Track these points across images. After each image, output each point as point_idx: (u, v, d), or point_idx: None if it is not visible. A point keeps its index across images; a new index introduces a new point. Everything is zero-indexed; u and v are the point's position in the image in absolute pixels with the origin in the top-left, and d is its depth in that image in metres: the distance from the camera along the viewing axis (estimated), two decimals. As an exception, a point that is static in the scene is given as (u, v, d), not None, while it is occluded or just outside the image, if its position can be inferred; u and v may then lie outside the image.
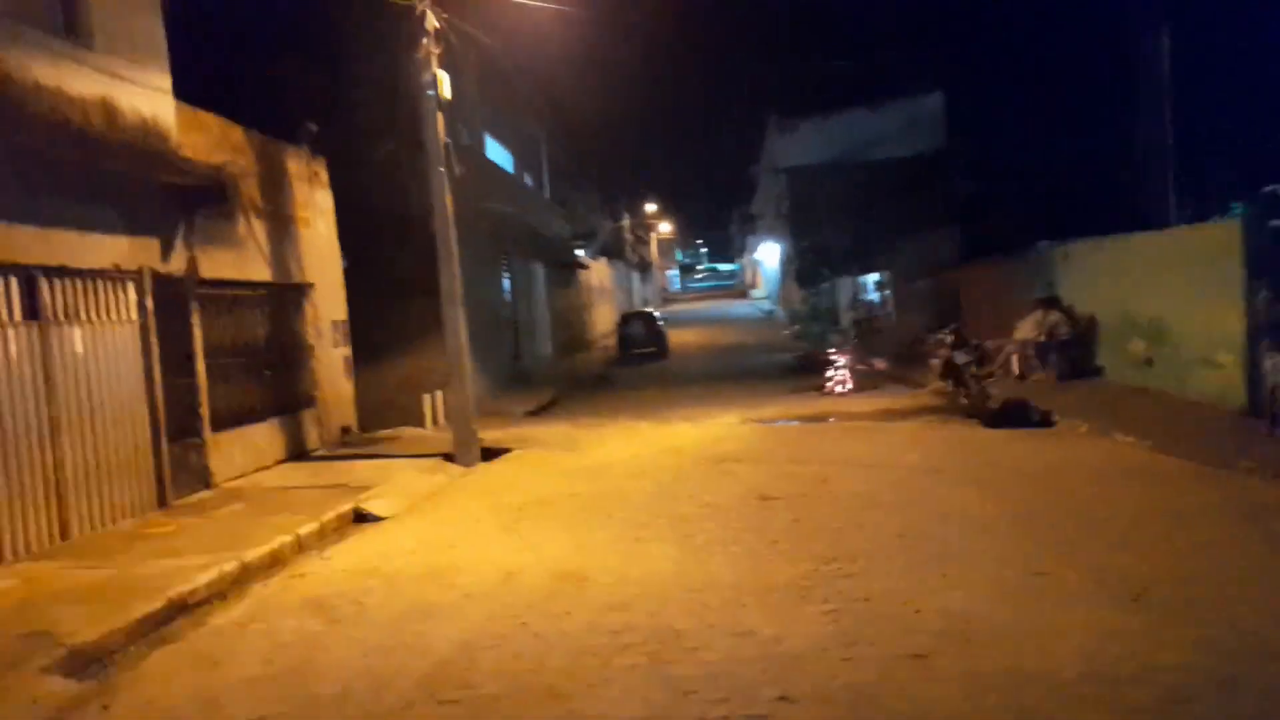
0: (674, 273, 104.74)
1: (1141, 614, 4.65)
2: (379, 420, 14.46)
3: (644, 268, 70.26)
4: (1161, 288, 11.69)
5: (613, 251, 48.77)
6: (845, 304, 27.51)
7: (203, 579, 6.03)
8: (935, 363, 12.40)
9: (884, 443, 10.44)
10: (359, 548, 7.18)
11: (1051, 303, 14.56)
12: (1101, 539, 6.02)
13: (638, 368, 26.81)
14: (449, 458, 11.19)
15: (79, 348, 7.55)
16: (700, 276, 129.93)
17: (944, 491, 7.60)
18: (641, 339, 30.20)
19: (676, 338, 36.68)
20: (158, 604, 5.59)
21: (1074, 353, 13.92)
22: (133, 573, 6.21)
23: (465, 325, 11.17)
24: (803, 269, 30.52)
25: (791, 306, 36.26)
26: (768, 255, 53.21)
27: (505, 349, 22.59)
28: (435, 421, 15.60)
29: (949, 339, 11.75)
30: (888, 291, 24.78)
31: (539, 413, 17.12)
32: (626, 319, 31.17)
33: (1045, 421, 10.79)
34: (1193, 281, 10.89)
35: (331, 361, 12.36)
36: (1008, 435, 10.37)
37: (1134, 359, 12.34)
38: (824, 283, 29.94)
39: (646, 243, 68.49)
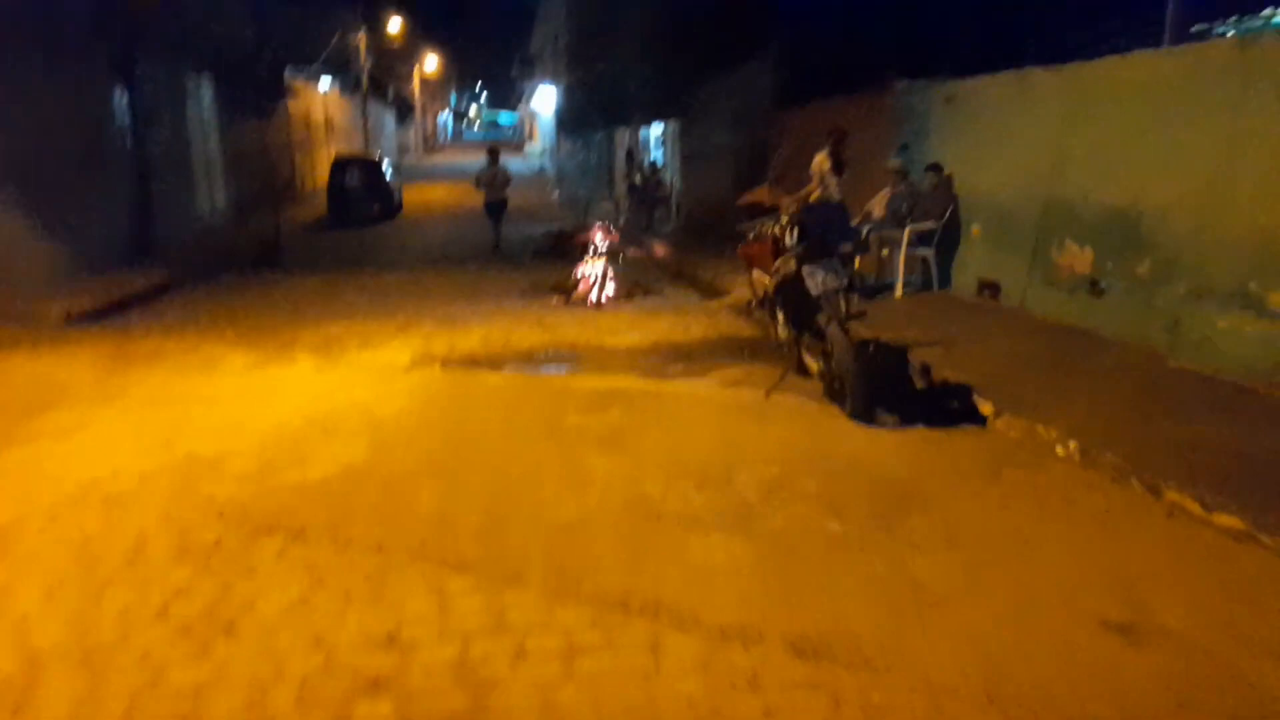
0: (445, 118, 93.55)
1: None
2: None
3: (403, 108, 60.15)
4: (1142, 156, 6.69)
5: (366, 87, 39.41)
6: (621, 162, 21.55)
7: None
8: (759, 278, 6.84)
9: (651, 463, 4.79)
10: None
11: (902, 175, 9.46)
12: None
13: (341, 235, 19.76)
14: None
15: None
16: (478, 127, 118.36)
17: None
18: (361, 194, 22.79)
19: (421, 194, 29.46)
20: None
21: (941, 251, 9.00)
22: None
23: None
24: (570, 112, 24.01)
25: (561, 162, 29.91)
26: (544, 103, 45.78)
27: (117, 201, 14.80)
28: None
29: (790, 238, 6.09)
30: (673, 150, 19.08)
31: (108, 314, 10.13)
32: (341, 166, 23.44)
33: (951, 408, 5.62)
34: (1222, 146, 5.91)
35: None
36: (901, 447, 5.06)
37: (1067, 279, 7.45)
38: (596, 133, 23.71)
39: (404, 79, 58.25)
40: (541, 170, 40.75)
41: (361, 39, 36.11)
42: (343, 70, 35.39)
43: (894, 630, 3.07)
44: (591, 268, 10.43)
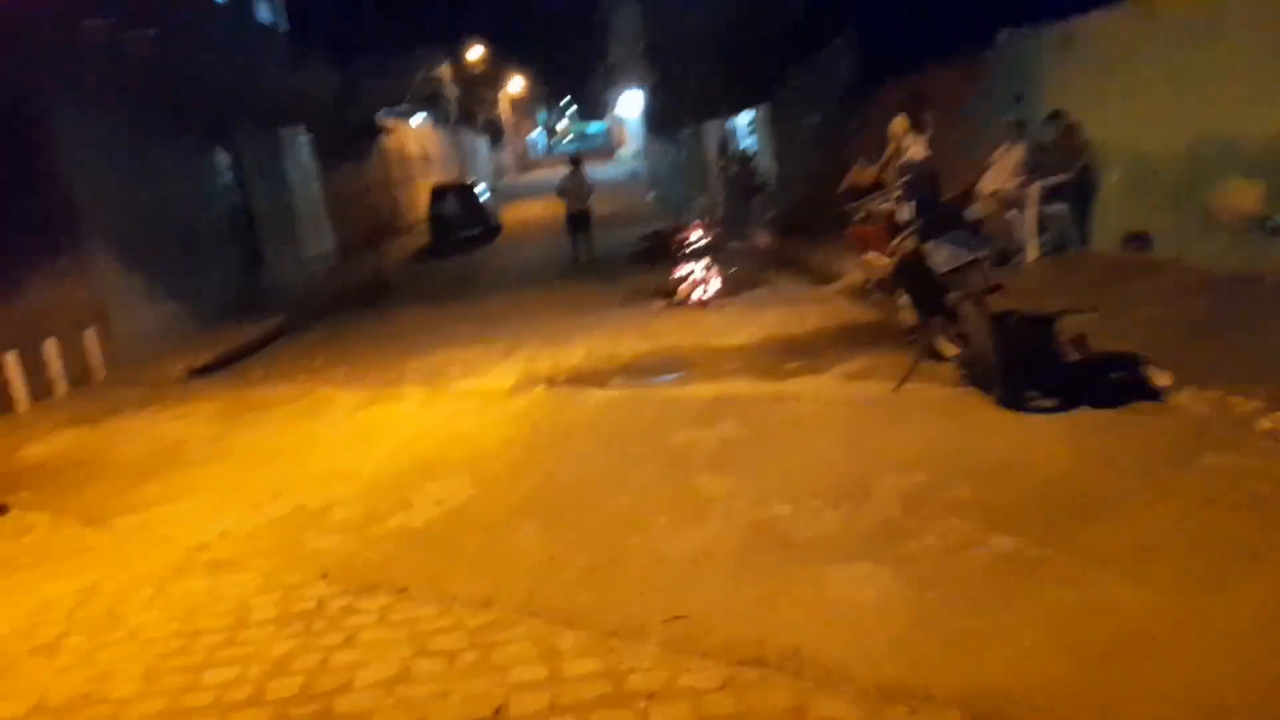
0: (536, 136, 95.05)
1: None
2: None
3: (494, 131, 61.24)
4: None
5: (456, 115, 40.35)
6: (713, 155, 20.99)
7: None
8: (874, 259, 6.24)
9: (774, 480, 4.30)
10: None
11: (1020, 128, 8.61)
12: None
13: (446, 261, 19.93)
14: None
15: None
16: (569, 140, 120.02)
17: None
18: (460, 219, 23.05)
19: (518, 212, 29.67)
20: None
21: (1075, 205, 8.14)
22: None
23: None
24: (656, 113, 23.64)
25: (653, 164, 29.63)
26: (630, 107, 45.72)
27: (229, 256, 15.33)
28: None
29: (905, 212, 5.48)
30: (765, 135, 18.40)
31: (225, 366, 10.38)
32: (438, 194, 23.81)
33: (1117, 384, 4.90)
34: None
35: None
36: (1065, 436, 4.40)
37: (1231, 220, 6.53)
38: (684, 129, 23.26)
39: (492, 103, 59.32)
40: (634, 174, 40.55)
41: (445, 71, 36.77)
42: (432, 103, 36.20)
43: (1094, 681, 2.50)
44: (693, 266, 9.98)
